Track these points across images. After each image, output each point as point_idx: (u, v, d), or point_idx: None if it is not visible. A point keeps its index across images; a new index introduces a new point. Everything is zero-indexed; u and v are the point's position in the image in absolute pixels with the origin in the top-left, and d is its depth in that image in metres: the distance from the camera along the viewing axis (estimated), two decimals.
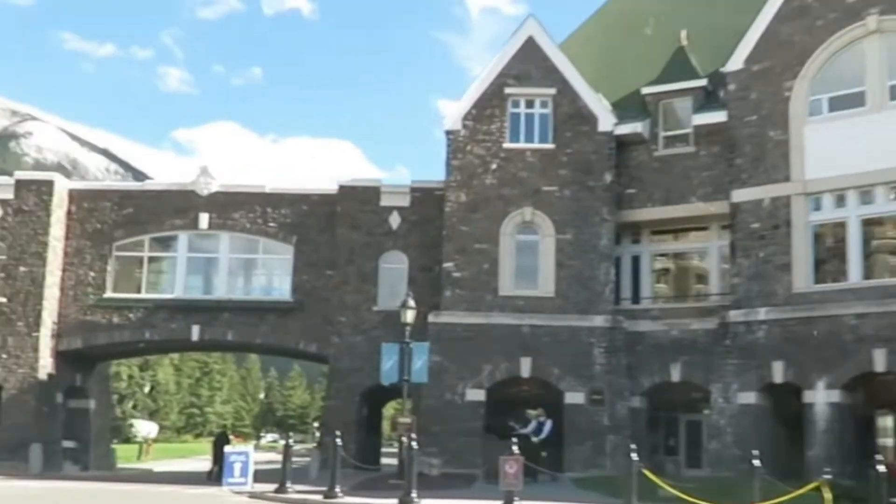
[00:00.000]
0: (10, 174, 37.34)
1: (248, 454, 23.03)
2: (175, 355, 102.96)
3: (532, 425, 27.99)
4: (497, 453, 20.34)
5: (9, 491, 23.54)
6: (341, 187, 34.84)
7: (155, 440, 67.76)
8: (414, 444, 19.14)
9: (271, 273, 36.57)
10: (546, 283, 30.61)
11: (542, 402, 29.55)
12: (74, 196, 36.56)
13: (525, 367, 29.90)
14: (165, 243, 36.74)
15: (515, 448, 19.43)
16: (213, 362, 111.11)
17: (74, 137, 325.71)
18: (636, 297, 32.18)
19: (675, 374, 29.74)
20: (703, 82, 31.41)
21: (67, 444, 37.00)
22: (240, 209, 35.64)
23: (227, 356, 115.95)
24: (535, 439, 26.83)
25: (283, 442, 27.51)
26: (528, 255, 30.86)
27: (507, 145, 31.40)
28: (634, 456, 18.54)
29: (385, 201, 34.30)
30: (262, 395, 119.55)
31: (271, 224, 35.47)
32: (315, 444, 28.46)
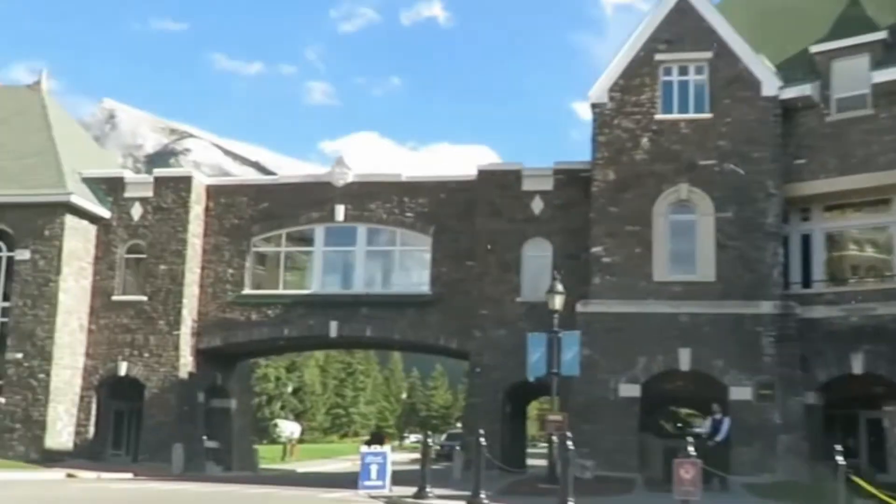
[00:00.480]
0: None
1: (385, 455, 21.35)
2: (320, 356, 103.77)
3: (706, 424, 25.44)
4: (654, 455, 18.13)
5: (145, 493, 22.61)
6: (480, 172, 33.03)
7: (300, 440, 67.75)
8: (570, 443, 16.98)
9: (409, 265, 35.09)
10: (705, 267, 27.88)
11: (703, 398, 26.94)
12: (212, 192, 36.04)
13: (684, 360, 27.24)
14: (302, 237, 35.83)
15: (692, 449, 17.07)
16: (357, 363, 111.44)
17: (227, 152, 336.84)
18: (807, 281, 29.05)
19: (857, 366, 26.62)
20: (881, 35, 27.98)
21: (210, 444, 36.49)
22: (376, 199, 34.32)
23: (371, 357, 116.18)
24: (711, 441, 24.21)
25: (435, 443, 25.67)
26: (684, 237, 28.19)
27: (658, 117, 28.79)
28: (840, 459, 15.91)
29: (527, 185, 32.29)
30: (404, 396, 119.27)
31: (408, 214, 34.00)
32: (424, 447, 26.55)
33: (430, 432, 25.36)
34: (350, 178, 34.71)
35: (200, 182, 36.03)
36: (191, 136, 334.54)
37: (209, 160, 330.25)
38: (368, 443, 31.68)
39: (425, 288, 33.87)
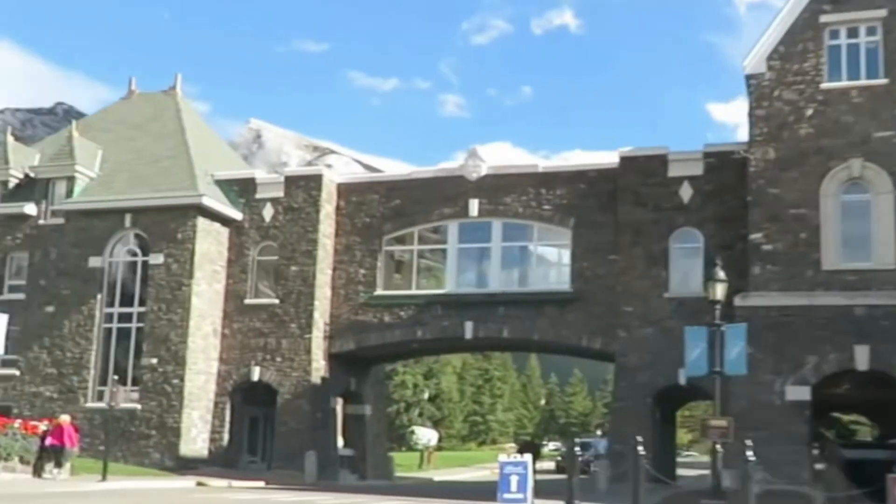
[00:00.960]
0: None
1: (526, 465, 19.35)
2: (457, 363, 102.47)
3: None
4: (829, 467, 15.57)
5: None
6: (622, 159, 30.79)
7: (438, 448, 66.49)
8: (750, 454, 14.57)
9: (548, 261, 33.11)
10: (883, 253, 24.72)
11: (878, 403, 23.94)
12: (342, 190, 34.97)
13: (861, 359, 24.11)
14: (435, 235, 34.32)
15: None
16: (494, 369, 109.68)
17: (367, 167, 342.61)
18: None
19: None
20: None
21: (344, 451, 35.37)
22: (511, 192, 32.52)
23: (508, 362, 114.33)
24: None
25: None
26: (857, 219, 25.08)
27: (825, 85, 25.75)
28: None
29: (674, 171, 29.91)
30: (543, 402, 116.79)
31: (546, 207, 32.05)
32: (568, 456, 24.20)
33: (576, 440, 23.32)
34: (484, 171, 33.01)
35: (331, 180, 34.99)
36: (332, 152, 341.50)
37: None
38: (520, 452, 29.39)
39: (565, 285, 31.85)
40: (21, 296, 36.16)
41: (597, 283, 30.95)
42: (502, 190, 32.63)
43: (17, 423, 25.27)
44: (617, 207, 30.56)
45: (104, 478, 24.54)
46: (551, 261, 33.01)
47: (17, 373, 35.28)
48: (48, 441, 26.70)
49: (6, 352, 35.96)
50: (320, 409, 33.53)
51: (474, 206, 32.91)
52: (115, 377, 29.25)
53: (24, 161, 37.94)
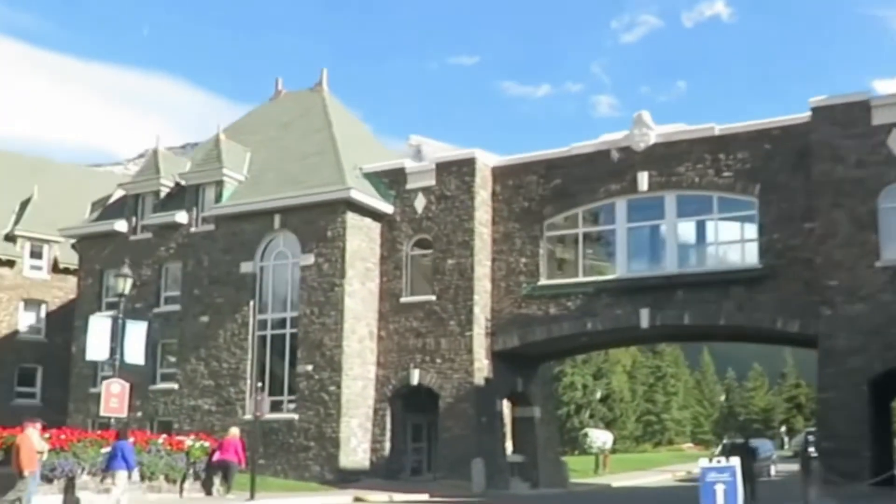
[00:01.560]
0: None
1: (733, 471, 16.02)
2: (627, 362, 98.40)
3: None
4: None
5: None
6: (814, 110, 26.89)
7: (612, 451, 62.99)
8: None
9: (731, 235, 29.45)
10: None
11: None
12: (497, 174, 32.42)
13: None
14: (601, 215, 31.24)
15: None
16: (667, 365, 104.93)
17: None
18: None
19: None
20: None
21: (514, 458, 32.71)
22: (684, 161, 29.15)
23: (679, 359, 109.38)
24: None
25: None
26: None
27: None
28: None
29: (879, 118, 25.95)
30: (723, 398, 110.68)
31: (726, 174, 28.50)
32: (802, 455, 20.58)
33: (809, 437, 19.84)
34: (652, 140, 29.73)
35: (485, 164, 32.42)
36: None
37: None
38: (726, 454, 25.47)
39: (754, 260, 28.27)
40: (177, 307, 35.32)
41: (791, 257, 27.22)
42: (674, 159, 29.26)
43: (162, 438, 23.71)
44: (810, 167, 26.74)
45: (252, 496, 22.70)
46: (735, 235, 29.32)
47: (176, 386, 34.40)
48: (216, 456, 25.26)
49: (160, 364, 35.50)
50: (486, 413, 31.01)
51: (643, 179, 29.67)
52: (259, 384, 27.52)
53: (174, 170, 37.18)
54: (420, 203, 32.41)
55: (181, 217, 35.47)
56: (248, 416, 30.69)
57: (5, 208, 44.54)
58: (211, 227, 34.93)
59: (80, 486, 21.21)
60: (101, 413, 23.79)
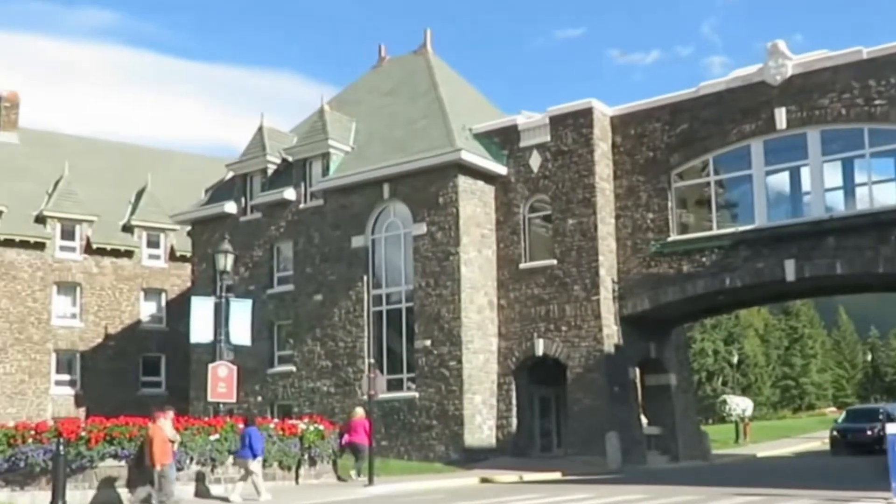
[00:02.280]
0: None
1: None
2: (759, 325, 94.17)
3: None
4: None
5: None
6: None
7: (751, 418, 59.72)
8: None
9: (887, 171, 26.36)
10: None
11: None
12: (617, 123, 30.07)
13: None
14: (734, 160, 28.46)
15: None
16: (802, 326, 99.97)
17: None
18: None
19: None
20: None
21: (650, 429, 30.45)
22: (828, 91, 26.25)
23: (815, 319, 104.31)
24: None
25: None
26: None
27: None
28: None
29: None
30: (869, 357, 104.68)
31: (878, 102, 25.51)
32: None
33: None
34: (790, 71, 26.84)
35: (603, 113, 30.08)
36: None
37: None
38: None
39: None
40: (290, 287, 34.29)
41: None
42: (816, 90, 26.33)
43: (273, 423, 22.28)
44: None
45: (370, 480, 21.11)
46: (891, 172, 26.22)
47: (294, 368, 33.37)
48: (345, 439, 24.00)
49: (277, 346, 34.48)
50: (617, 382, 28.84)
51: (781, 116, 26.83)
52: (371, 361, 25.90)
53: (280, 147, 36.06)
54: (535, 161, 30.32)
55: (289, 194, 34.37)
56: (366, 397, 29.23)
57: (122, 199, 44.41)
58: (320, 202, 33.69)
59: (190, 477, 19.99)
60: (209, 399, 22.56)
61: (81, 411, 38.44)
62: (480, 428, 29.28)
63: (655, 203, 28.91)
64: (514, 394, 29.94)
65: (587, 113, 29.53)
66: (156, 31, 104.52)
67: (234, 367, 22.76)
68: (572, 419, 28.89)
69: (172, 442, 18.64)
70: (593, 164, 29.12)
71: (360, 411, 24.88)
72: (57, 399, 40.64)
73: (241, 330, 23.20)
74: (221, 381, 22.13)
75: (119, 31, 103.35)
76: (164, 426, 18.58)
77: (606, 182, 29.52)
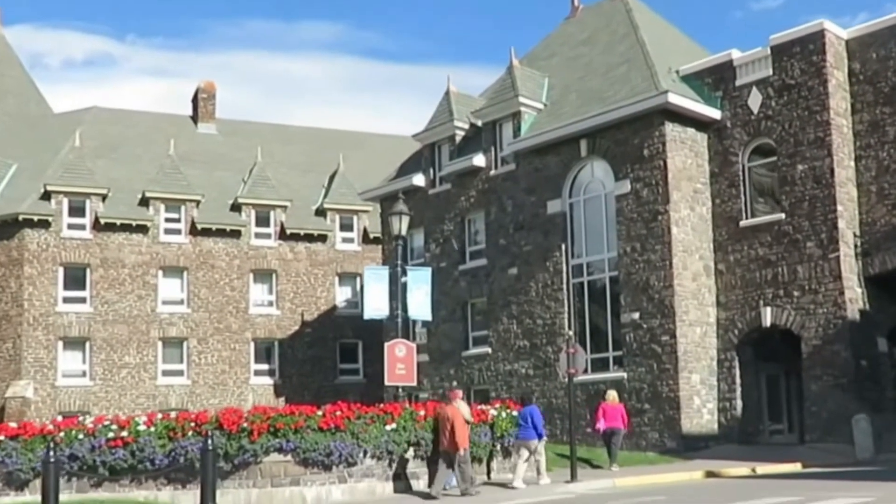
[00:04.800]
0: None
1: None
2: None
3: None
4: None
5: None
6: None
7: None
8: None
9: None
10: None
11: None
12: (854, 47, 25.46)
13: None
14: None
15: None
16: None
17: None
18: None
19: None
20: None
21: None
22: None
23: None
24: None
25: None
26: None
27: None
28: None
29: None
30: None
31: None
32: None
33: None
34: None
35: (837, 37, 25.44)
36: None
37: None
38: None
39: None
40: (483, 261, 31.61)
41: None
42: None
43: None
44: None
45: (573, 475, 17.90)
46: None
47: (489, 350, 30.66)
48: (601, 425, 21.66)
49: (472, 326, 31.83)
50: (865, 356, 24.33)
51: None
52: (569, 333, 22.51)
53: (468, 111, 33.42)
54: (755, 100, 26.06)
55: (479, 160, 31.72)
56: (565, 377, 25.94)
57: (315, 184, 43.29)
58: (511, 166, 30.81)
59: (363, 473, 17.50)
60: (387, 382, 20.09)
61: (281, 401, 37.35)
62: (699, 412, 25.49)
63: None
64: (737, 372, 25.95)
65: (818, 37, 24.96)
66: (379, 39, 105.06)
67: (413, 346, 20.25)
68: (809, 400, 24.56)
69: (468, 423, 17.50)
70: (827, 98, 24.58)
71: (612, 395, 22.43)
72: (257, 389, 39.88)
73: (420, 303, 20.55)
74: (399, 361, 19.60)
75: (343, 43, 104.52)
76: (462, 407, 17.50)
77: (843, 118, 24.90)
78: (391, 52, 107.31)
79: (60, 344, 37.18)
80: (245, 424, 17.02)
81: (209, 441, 14.41)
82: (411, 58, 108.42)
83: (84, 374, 37.43)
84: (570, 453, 18.42)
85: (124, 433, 17.16)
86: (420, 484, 17.70)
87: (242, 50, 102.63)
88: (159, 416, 17.77)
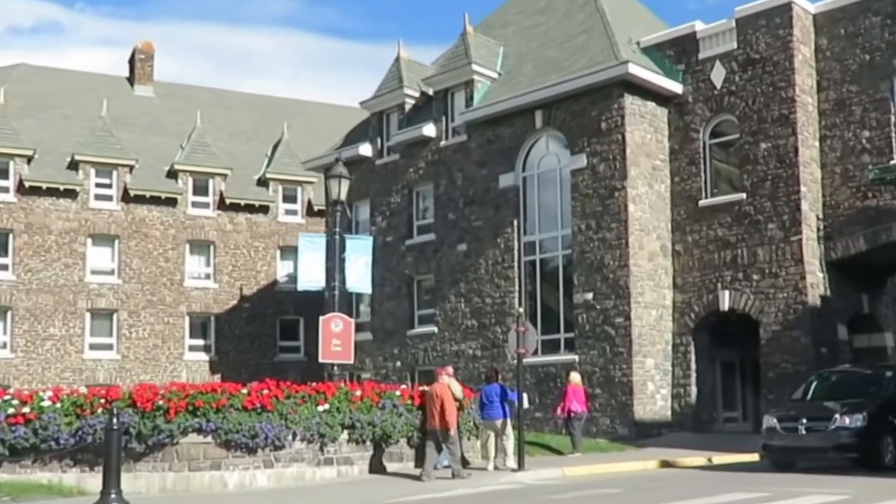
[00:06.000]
0: None
1: None
2: None
3: None
4: None
5: None
6: None
7: None
8: None
9: None
10: None
11: None
12: (822, 22, 24.40)
13: None
14: None
15: None
16: None
17: None
18: None
19: None
20: None
21: None
22: None
23: None
24: None
25: None
26: None
27: None
28: None
29: None
30: None
31: None
32: None
33: None
34: None
35: (804, 10, 24.32)
36: None
37: None
38: None
39: None
40: (431, 236, 30.20)
41: None
42: None
43: (399, 390, 17.92)
44: None
45: (520, 464, 16.59)
46: None
47: (436, 329, 29.31)
48: (560, 410, 20.83)
49: (417, 305, 30.47)
50: (824, 343, 23.35)
51: None
52: (520, 310, 21.10)
53: (418, 79, 31.91)
54: (718, 75, 24.90)
55: (429, 130, 30.29)
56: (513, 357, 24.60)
57: (257, 153, 41.47)
58: (463, 137, 29.42)
59: (291, 458, 16.02)
60: (321, 359, 18.55)
61: (217, 378, 35.62)
62: (653, 397, 24.41)
63: (873, 118, 23.04)
64: (692, 357, 24.92)
65: (785, 10, 23.83)
66: (335, 15, 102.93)
67: (351, 321, 18.78)
68: (767, 388, 23.53)
69: (458, 402, 16.73)
70: (792, 74, 23.48)
71: (575, 377, 21.39)
72: (191, 365, 38.11)
73: (359, 274, 19.07)
74: (335, 337, 18.17)
75: (298, 19, 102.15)
76: (452, 385, 16.73)
77: (809, 95, 23.83)
78: (347, 30, 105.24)
79: None
80: (161, 402, 15.49)
81: (113, 419, 12.80)
82: (367, 36, 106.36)
83: (4, 346, 35.35)
84: (518, 438, 17.06)
85: (26, 409, 15.54)
86: (353, 470, 16.30)
87: (194, 21, 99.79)
88: (66, 391, 16.13)
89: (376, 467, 16.74)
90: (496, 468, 17.19)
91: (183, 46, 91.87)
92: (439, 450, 16.37)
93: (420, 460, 16.62)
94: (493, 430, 17.58)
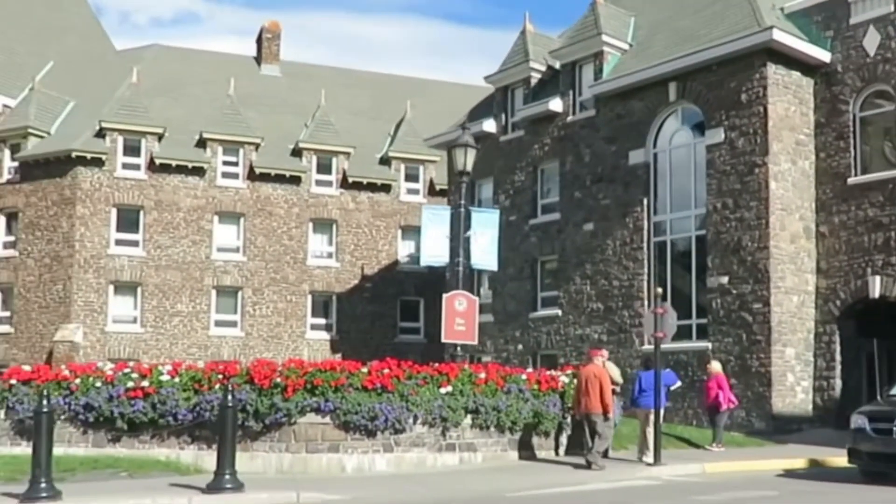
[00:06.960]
0: None
1: None
2: None
3: None
4: None
5: None
6: None
7: None
8: None
9: None
10: None
11: None
12: None
13: None
14: None
15: None
16: None
17: None
18: None
19: None
20: None
21: None
22: None
23: None
24: None
25: None
26: None
27: None
28: None
29: None
30: None
31: None
32: None
33: None
34: None
35: None
36: None
37: None
38: None
39: None
40: (556, 216, 29.16)
41: None
42: None
43: (525, 374, 16.93)
44: None
45: (656, 457, 15.47)
46: None
47: (559, 312, 28.28)
48: (712, 399, 19.27)
49: (541, 286, 29.50)
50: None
51: None
52: (659, 290, 19.77)
53: (545, 52, 30.84)
54: (872, 41, 22.98)
55: (555, 104, 29.18)
56: (646, 346, 23.35)
57: (380, 131, 41.09)
58: (591, 112, 28.21)
59: (412, 442, 15.33)
60: (443, 339, 17.78)
61: (338, 357, 35.41)
62: (793, 390, 22.79)
63: None
64: (837, 347, 23.16)
65: None
66: (457, 2, 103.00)
67: (476, 299, 17.94)
68: None
69: (615, 385, 16.29)
70: None
71: (716, 366, 19.92)
72: (313, 343, 38.03)
73: (485, 250, 18.15)
74: (459, 315, 17.33)
75: (421, 6, 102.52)
76: (610, 367, 16.42)
77: None
78: (468, 16, 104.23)
79: (111, 288, 35.72)
80: (278, 379, 15.03)
81: (229, 396, 12.32)
82: (489, 22, 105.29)
83: (135, 321, 35.93)
84: (654, 431, 15.91)
85: (145, 383, 15.34)
86: (476, 457, 15.47)
87: (321, 11, 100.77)
88: (184, 365, 15.84)
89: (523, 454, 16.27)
90: (640, 460, 16.19)
91: (309, 35, 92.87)
92: (592, 435, 15.50)
93: (572, 447, 16.04)
94: (643, 419, 16.59)
